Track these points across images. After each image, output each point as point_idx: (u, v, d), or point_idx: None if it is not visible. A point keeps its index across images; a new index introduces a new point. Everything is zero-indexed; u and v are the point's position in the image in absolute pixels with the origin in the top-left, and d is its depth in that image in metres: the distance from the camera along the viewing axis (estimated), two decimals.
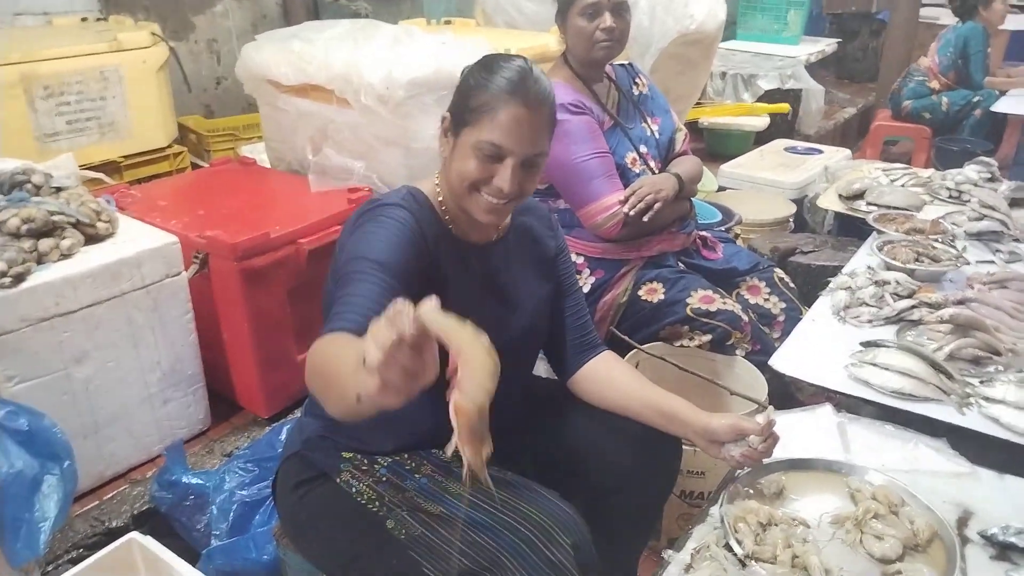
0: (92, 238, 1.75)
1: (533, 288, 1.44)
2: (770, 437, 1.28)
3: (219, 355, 2.04)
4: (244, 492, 1.71)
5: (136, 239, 1.81)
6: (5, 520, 1.29)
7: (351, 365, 0.81)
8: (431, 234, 1.27)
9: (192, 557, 1.57)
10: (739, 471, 1.34)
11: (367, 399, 0.79)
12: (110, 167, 2.74)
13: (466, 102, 1.24)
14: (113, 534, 1.64)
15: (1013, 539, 1.20)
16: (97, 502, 1.77)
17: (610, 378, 1.46)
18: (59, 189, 1.79)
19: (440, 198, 1.32)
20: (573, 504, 1.28)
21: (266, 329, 1.97)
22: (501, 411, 1.40)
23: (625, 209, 1.97)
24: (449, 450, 0.82)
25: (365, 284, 1.13)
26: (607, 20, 1.97)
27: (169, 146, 2.96)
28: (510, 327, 1.39)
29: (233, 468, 1.75)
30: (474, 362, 0.77)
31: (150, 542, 1.48)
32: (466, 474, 0.83)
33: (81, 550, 1.62)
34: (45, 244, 1.64)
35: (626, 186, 2.03)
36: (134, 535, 1.49)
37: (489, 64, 1.25)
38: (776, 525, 1.23)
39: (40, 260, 1.63)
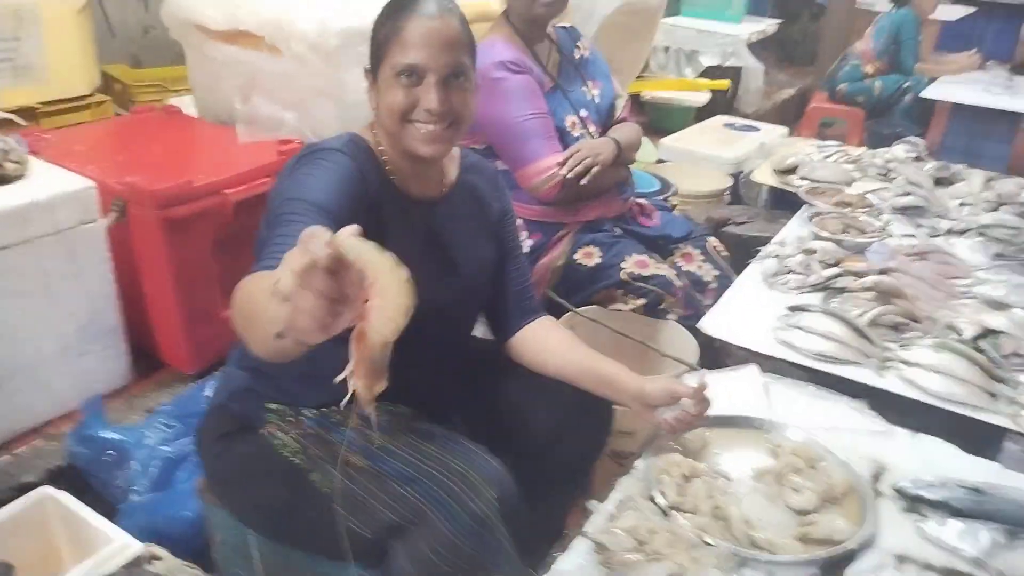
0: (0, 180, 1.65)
1: (476, 249, 1.42)
2: (702, 401, 1.29)
3: (141, 309, 1.96)
4: (166, 448, 1.65)
5: (49, 183, 1.71)
6: None
7: (267, 294, 0.75)
8: (373, 184, 1.24)
9: (111, 514, 1.51)
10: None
11: (284, 330, 0.74)
12: (26, 114, 2.57)
13: (376, 40, 1.24)
14: (25, 489, 1.55)
15: (923, 492, 1.25)
16: (8, 457, 1.69)
17: (547, 343, 1.46)
18: None
19: (380, 147, 1.28)
20: (505, 461, 1.28)
21: (190, 282, 1.90)
22: (437, 370, 1.39)
23: (563, 172, 1.96)
24: (339, 378, 0.78)
25: (299, 225, 1.07)
26: None
27: (91, 95, 2.81)
28: (451, 287, 1.37)
29: (155, 423, 1.70)
30: (389, 294, 0.72)
31: (65, 496, 1.42)
32: (355, 406, 0.80)
33: None
34: None
35: (565, 149, 2.02)
36: (47, 489, 1.43)
37: (389, 2, 1.25)
38: (699, 478, 1.26)
39: None
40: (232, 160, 2.04)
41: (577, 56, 2.19)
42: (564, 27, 2.21)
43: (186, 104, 2.82)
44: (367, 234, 1.18)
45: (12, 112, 2.50)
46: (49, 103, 2.66)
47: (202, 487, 1.45)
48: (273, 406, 1.32)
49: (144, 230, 1.84)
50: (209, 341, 1.96)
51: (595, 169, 1.98)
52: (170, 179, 1.83)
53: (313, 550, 1.27)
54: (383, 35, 1.22)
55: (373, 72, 1.25)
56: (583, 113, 2.12)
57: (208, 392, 1.74)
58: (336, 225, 1.08)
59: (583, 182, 1.97)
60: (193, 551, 1.45)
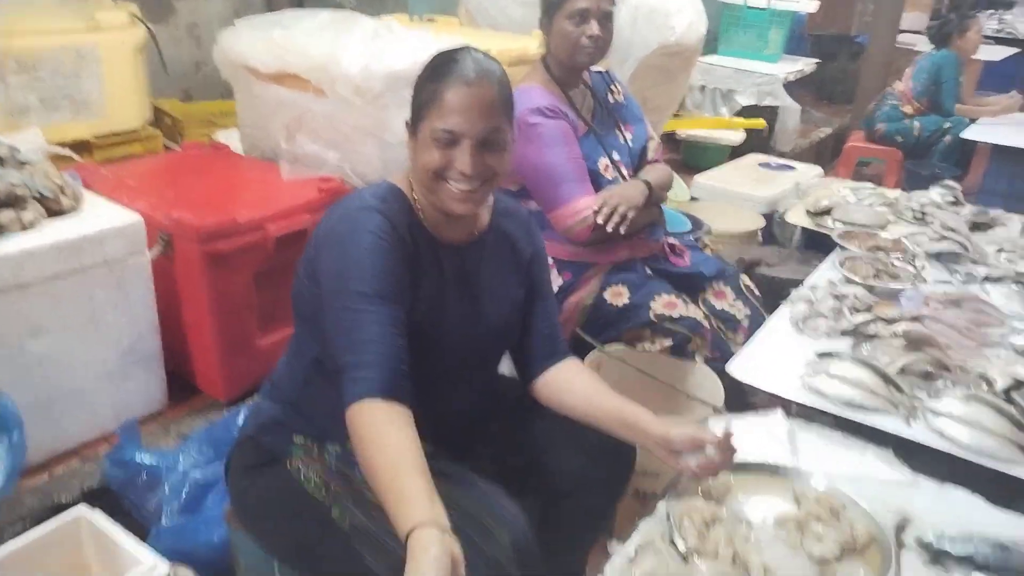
0: (55, 213, 1.74)
1: (505, 291, 1.44)
2: (727, 449, 1.28)
3: (180, 337, 2.03)
4: (198, 473, 1.70)
5: (100, 216, 1.80)
6: None
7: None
8: (407, 232, 1.28)
9: (142, 535, 1.56)
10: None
11: None
12: (81, 146, 2.70)
13: (417, 99, 1.28)
14: (62, 509, 1.61)
15: (947, 546, 1.23)
16: (47, 477, 1.76)
17: (572, 384, 1.46)
18: (24, 163, 1.78)
19: (415, 196, 1.33)
20: (526, 502, 1.29)
21: (229, 313, 1.96)
22: (465, 406, 1.43)
23: (598, 220, 1.98)
24: None
25: (369, 326, 1.16)
26: (594, 27, 1.98)
27: (143, 128, 2.94)
28: (478, 327, 1.40)
29: (188, 449, 1.75)
30: None
31: (98, 517, 1.47)
32: None
33: (28, 523, 1.60)
34: (5, 216, 1.62)
35: (597, 191, 2.05)
36: (82, 509, 1.49)
37: (433, 59, 1.29)
38: (720, 523, 1.26)
39: (0, 231, 1.61)
40: (274, 197, 2.12)
41: (611, 100, 2.23)
42: (599, 72, 2.26)
43: (233, 138, 2.93)
44: (405, 280, 1.24)
45: (68, 145, 2.63)
46: (103, 136, 2.79)
47: (230, 515, 1.49)
48: (299, 440, 1.36)
49: (188, 263, 1.91)
50: (243, 370, 2.02)
51: (630, 214, 2.00)
52: (215, 215, 1.91)
53: None
54: (423, 97, 1.25)
55: (413, 127, 1.29)
56: (616, 156, 2.15)
57: (240, 420, 1.79)
58: (397, 304, 1.20)
59: (622, 230, 1.98)
60: (219, 574, 1.49)
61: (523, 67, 2.27)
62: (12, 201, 1.65)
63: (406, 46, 2.16)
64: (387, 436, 1.11)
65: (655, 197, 2.14)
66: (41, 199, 1.70)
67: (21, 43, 2.50)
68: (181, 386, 2.08)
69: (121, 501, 1.71)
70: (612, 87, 2.25)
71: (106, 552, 1.46)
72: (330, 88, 2.14)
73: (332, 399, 1.23)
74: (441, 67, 1.25)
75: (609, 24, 2.03)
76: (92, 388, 1.84)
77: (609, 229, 1.97)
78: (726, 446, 1.28)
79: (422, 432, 1.37)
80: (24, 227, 1.65)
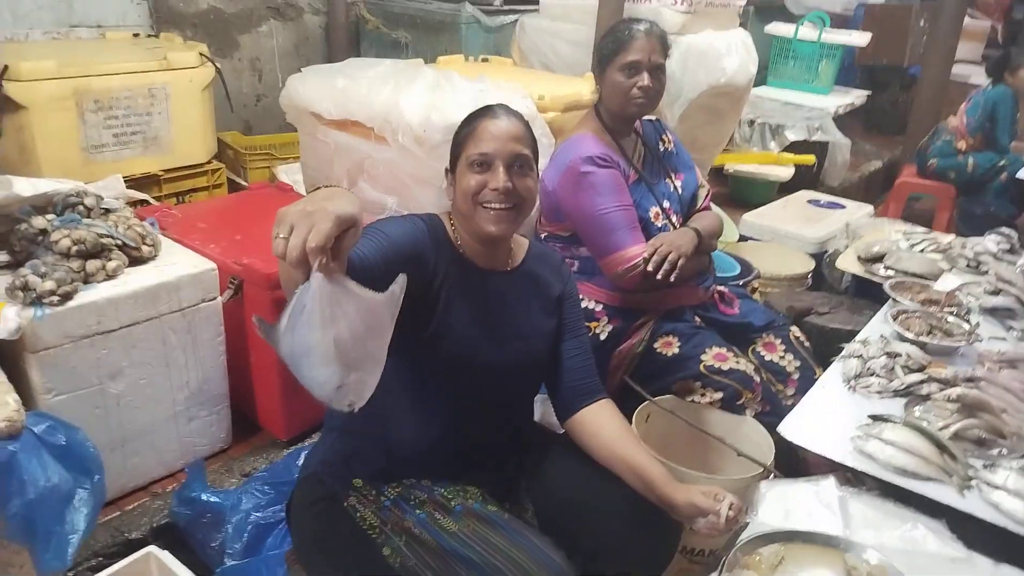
0: (136, 260, 1.83)
1: (535, 318, 1.54)
2: (731, 518, 1.36)
3: (245, 377, 2.11)
4: (259, 514, 1.77)
5: (177, 263, 1.88)
6: (38, 531, 1.35)
7: None
8: (443, 254, 1.42)
9: (205, 574, 1.63)
10: (740, 540, 1.38)
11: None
12: (150, 180, 2.84)
13: (455, 143, 1.50)
14: (132, 545, 1.70)
15: None
16: (118, 513, 1.84)
17: (601, 430, 1.53)
18: (108, 211, 1.87)
19: (453, 226, 1.47)
20: (569, 553, 1.34)
21: None
22: (500, 437, 1.51)
23: (649, 268, 2.01)
24: None
25: (370, 241, 1.28)
26: (645, 79, 2.02)
27: (208, 162, 3.06)
28: (508, 349, 1.49)
29: (250, 489, 1.82)
30: None
31: (167, 557, 1.54)
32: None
33: (101, 559, 1.69)
34: (92, 265, 1.71)
35: (648, 239, 2.08)
36: (152, 549, 1.55)
37: (466, 116, 1.51)
38: None
39: (86, 280, 1.70)
40: None
41: (661, 149, 2.26)
42: (650, 120, 2.29)
43: (292, 172, 3.03)
44: (428, 296, 1.38)
45: (139, 178, 2.76)
46: (171, 170, 2.91)
47: (291, 557, 1.55)
48: (358, 482, 1.45)
49: (256, 307, 1.99)
50: (304, 410, 2.09)
51: (681, 262, 2.02)
52: None
53: None
54: (461, 137, 1.48)
55: (452, 168, 1.50)
56: (666, 204, 2.18)
57: (300, 461, 1.85)
58: (395, 248, 1.31)
59: (672, 279, 2.01)
60: None
61: (576, 112, 2.32)
62: (98, 251, 1.74)
63: (465, 97, 2.23)
64: None
65: (705, 245, 2.16)
66: (124, 247, 1.79)
67: (99, 84, 2.64)
68: (244, 424, 2.16)
69: (186, 539, 1.79)
70: (663, 136, 2.29)
71: None
72: (392, 137, 2.21)
73: (375, 429, 1.43)
74: (474, 114, 1.49)
75: (661, 75, 2.08)
76: (162, 427, 1.92)
77: (659, 277, 2.00)
78: (723, 516, 1.36)
79: (465, 466, 1.45)
80: (108, 276, 1.74)
